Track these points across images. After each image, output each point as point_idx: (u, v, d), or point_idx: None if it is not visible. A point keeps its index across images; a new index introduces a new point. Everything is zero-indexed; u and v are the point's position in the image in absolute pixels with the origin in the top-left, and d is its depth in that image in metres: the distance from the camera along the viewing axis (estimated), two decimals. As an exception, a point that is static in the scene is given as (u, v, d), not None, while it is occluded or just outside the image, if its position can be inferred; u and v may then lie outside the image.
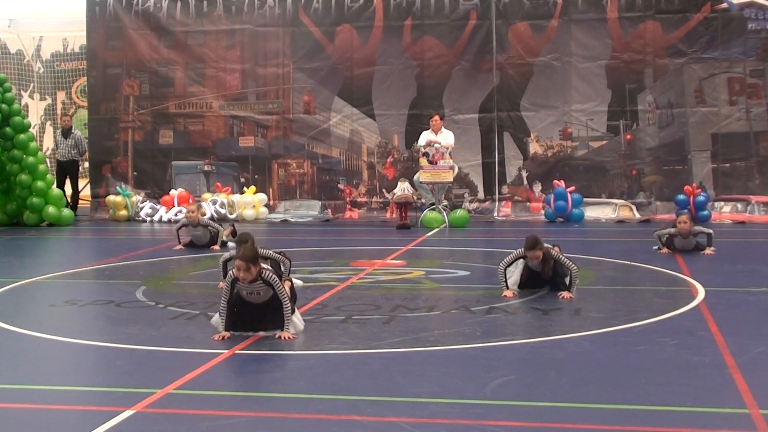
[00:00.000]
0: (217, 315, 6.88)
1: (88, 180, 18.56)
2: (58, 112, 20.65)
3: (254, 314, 6.77)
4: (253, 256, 6.64)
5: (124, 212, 16.88)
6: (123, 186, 17.26)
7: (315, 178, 17.27)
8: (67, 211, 15.91)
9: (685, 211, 12.87)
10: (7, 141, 15.43)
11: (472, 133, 16.50)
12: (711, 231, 11.20)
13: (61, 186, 16.85)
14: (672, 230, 11.14)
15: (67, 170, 17.15)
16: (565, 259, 8.31)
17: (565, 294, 8.13)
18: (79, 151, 17.41)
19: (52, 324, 7.54)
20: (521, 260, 8.37)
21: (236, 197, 16.47)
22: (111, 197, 17.10)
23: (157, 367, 6.07)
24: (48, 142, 21.00)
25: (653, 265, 10.12)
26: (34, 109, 21.24)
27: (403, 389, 5.42)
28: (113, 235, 15.18)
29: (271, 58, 17.35)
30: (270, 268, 6.72)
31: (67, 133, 17.27)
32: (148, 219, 16.73)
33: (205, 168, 17.50)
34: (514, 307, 7.81)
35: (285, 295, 6.67)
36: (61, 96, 21.55)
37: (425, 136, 15.08)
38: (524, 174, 16.51)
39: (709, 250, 10.95)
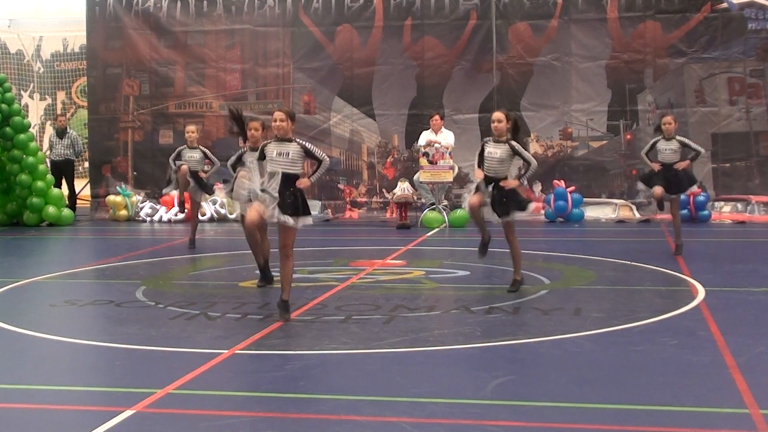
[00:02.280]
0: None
1: (88, 180, 18.55)
2: (58, 112, 20.63)
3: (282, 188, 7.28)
4: (292, 112, 7.58)
5: (124, 212, 16.88)
6: (123, 186, 17.26)
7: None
8: (67, 211, 15.90)
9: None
10: (7, 141, 15.42)
11: (472, 133, 16.48)
12: (701, 149, 10.83)
13: (57, 186, 16.82)
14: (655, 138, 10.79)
15: (62, 170, 17.13)
16: (525, 152, 8.48)
17: (510, 181, 8.27)
18: (75, 151, 17.37)
19: (52, 324, 7.54)
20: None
21: (236, 197, 16.45)
22: (111, 197, 17.09)
23: (157, 367, 6.07)
24: (46, 143, 20.99)
25: (653, 265, 10.12)
26: (34, 109, 21.23)
27: (403, 389, 5.42)
28: (113, 235, 15.18)
29: (271, 58, 17.35)
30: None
31: (62, 133, 17.24)
32: (148, 219, 16.72)
33: (205, 168, 17.45)
34: (514, 307, 7.81)
35: (320, 152, 7.44)
36: (61, 96, 21.54)
37: (425, 136, 15.08)
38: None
39: (695, 189, 11.08)
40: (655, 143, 10.72)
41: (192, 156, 11.74)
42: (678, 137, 10.64)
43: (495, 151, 8.31)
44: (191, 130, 11.76)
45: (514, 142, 8.29)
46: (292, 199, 7.24)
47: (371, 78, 16.89)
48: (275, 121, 7.36)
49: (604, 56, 16.16)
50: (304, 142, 7.44)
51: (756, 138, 15.81)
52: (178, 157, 11.84)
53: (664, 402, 5.08)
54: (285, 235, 7.31)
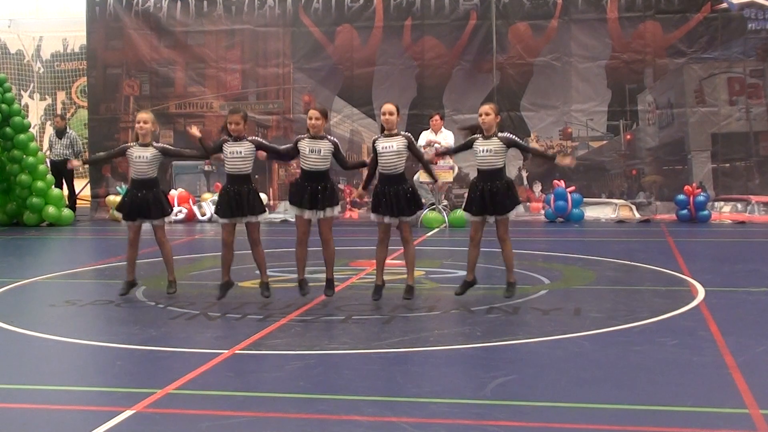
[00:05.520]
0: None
1: (88, 180, 18.55)
2: (58, 112, 20.63)
3: (313, 183, 7.92)
4: (326, 111, 8.16)
5: (124, 212, 16.86)
6: (123, 186, 17.23)
7: (315, 178, 17.24)
8: (67, 211, 15.90)
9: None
10: (7, 141, 15.42)
11: (472, 133, 16.47)
12: (532, 147, 8.28)
13: (57, 186, 16.81)
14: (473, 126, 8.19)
15: (61, 170, 17.12)
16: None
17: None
18: (74, 152, 17.36)
19: (52, 324, 7.54)
20: None
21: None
22: (111, 197, 17.08)
23: (157, 367, 6.07)
24: (46, 143, 20.99)
25: (653, 265, 10.12)
26: (34, 109, 21.24)
27: (403, 389, 5.42)
28: (113, 235, 15.16)
29: (272, 58, 17.35)
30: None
31: (61, 133, 17.23)
32: (148, 219, 16.70)
33: (206, 168, 17.47)
34: (514, 307, 7.81)
35: (345, 157, 8.21)
36: (61, 96, 21.55)
37: (425, 136, 15.06)
38: (524, 174, 16.51)
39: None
40: (470, 144, 8.09)
41: (141, 156, 8.52)
42: (501, 134, 8.02)
43: (390, 144, 7.99)
44: (144, 120, 8.55)
45: (407, 133, 8.22)
46: (323, 193, 7.94)
47: (371, 78, 16.89)
48: (311, 119, 7.96)
49: (604, 56, 16.16)
50: (335, 140, 8.10)
51: (756, 138, 15.81)
52: (122, 155, 8.79)
53: (664, 402, 5.08)
54: (322, 225, 8.07)
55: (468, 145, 8.15)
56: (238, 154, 8.16)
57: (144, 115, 8.60)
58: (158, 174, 8.68)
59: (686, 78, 15.93)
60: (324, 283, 8.30)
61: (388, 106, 8.10)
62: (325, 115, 8.06)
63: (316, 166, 7.96)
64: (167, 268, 8.73)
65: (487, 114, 7.94)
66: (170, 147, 8.84)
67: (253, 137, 8.40)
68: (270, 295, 8.26)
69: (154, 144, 8.55)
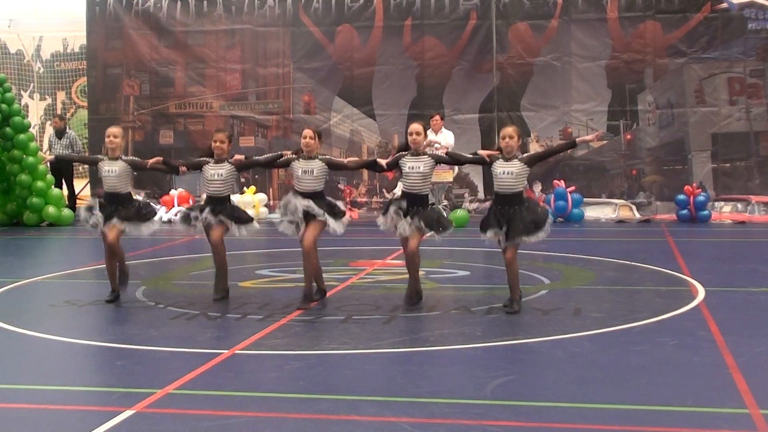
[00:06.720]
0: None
1: (88, 180, 18.54)
2: (58, 111, 20.62)
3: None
4: (320, 131, 8.02)
5: (124, 212, 16.85)
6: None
7: (315, 178, 17.24)
8: (67, 211, 15.89)
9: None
10: (7, 141, 15.42)
11: (472, 133, 16.49)
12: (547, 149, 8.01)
13: (57, 186, 16.80)
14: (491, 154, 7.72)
15: (61, 170, 17.11)
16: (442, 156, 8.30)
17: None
18: (74, 151, 17.35)
19: (52, 324, 7.54)
20: None
21: (236, 197, 16.45)
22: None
23: (157, 367, 6.07)
24: (46, 143, 20.97)
25: (653, 265, 10.12)
26: (34, 109, 21.21)
27: (403, 389, 5.42)
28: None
29: (271, 58, 17.35)
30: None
31: (60, 133, 17.22)
32: (148, 219, 16.68)
33: (206, 168, 17.45)
34: (514, 307, 7.80)
35: (341, 161, 8.10)
36: (61, 96, 21.52)
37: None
38: (524, 174, 16.50)
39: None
40: (489, 162, 7.65)
41: (111, 170, 8.30)
42: (521, 156, 7.62)
43: (417, 165, 7.70)
44: (114, 134, 8.29)
45: (434, 153, 8.06)
46: (324, 209, 7.76)
47: (371, 78, 16.90)
48: (305, 138, 7.81)
49: (604, 56, 16.17)
50: (326, 157, 7.98)
51: (756, 138, 15.82)
52: (93, 164, 8.80)
53: (664, 402, 5.08)
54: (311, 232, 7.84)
55: (485, 162, 7.72)
56: (219, 177, 8.17)
57: (114, 130, 8.34)
58: (159, 174, 8.75)
59: (686, 78, 15.94)
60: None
61: (416, 126, 7.78)
62: (319, 136, 7.90)
63: (310, 187, 7.79)
64: (112, 278, 8.39)
65: (511, 137, 7.52)
66: (139, 160, 8.61)
67: (236, 158, 8.31)
68: (220, 299, 8.18)
69: (123, 158, 8.34)
